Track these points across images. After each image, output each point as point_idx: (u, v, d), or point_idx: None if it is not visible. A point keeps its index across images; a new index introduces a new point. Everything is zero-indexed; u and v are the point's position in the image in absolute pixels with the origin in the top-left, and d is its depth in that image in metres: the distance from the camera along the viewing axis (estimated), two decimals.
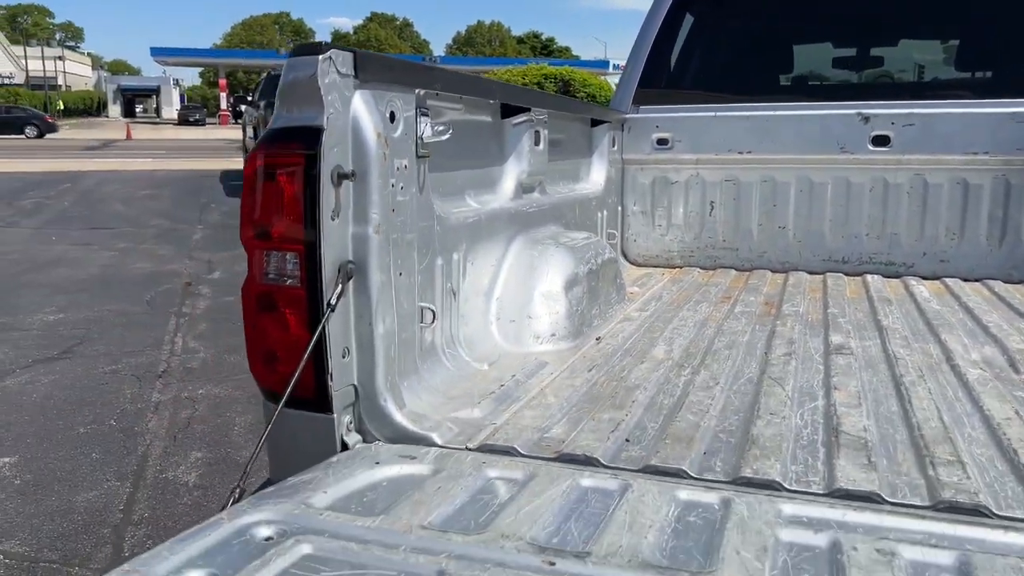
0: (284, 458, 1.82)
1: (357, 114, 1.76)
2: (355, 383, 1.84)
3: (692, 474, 1.64)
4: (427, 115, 2.02)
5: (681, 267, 4.31)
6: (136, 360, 6.34)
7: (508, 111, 2.74)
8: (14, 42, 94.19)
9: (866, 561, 1.23)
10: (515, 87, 2.98)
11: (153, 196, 17.85)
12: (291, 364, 1.73)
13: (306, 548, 1.25)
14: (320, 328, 1.71)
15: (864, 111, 3.94)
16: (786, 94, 4.45)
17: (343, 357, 1.81)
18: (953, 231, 3.94)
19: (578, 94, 19.93)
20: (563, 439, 1.83)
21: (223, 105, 63.52)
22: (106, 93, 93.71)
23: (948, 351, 2.60)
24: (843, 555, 1.25)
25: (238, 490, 1.43)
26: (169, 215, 15.00)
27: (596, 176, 4.01)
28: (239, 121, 27.20)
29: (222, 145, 36.22)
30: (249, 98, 22.17)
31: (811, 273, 4.06)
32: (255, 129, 17.92)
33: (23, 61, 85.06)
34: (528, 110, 2.77)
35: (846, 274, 4.02)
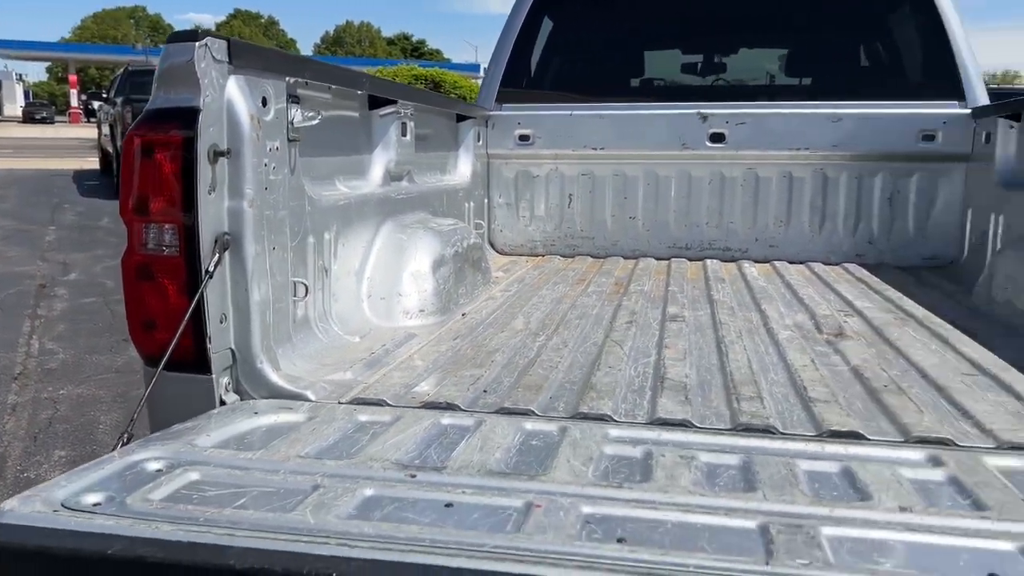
0: (165, 418, 1.94)
1: (231, 97, 1.91)
2: (232, 347, 1.99)
3: (538, 412, 1.89)
4: (297, 102, 2.19)
5: (544, 255, 4.61)
6: None
7: (376, 103, 2.93)
8: None
9: (670, 464, 1.51)
10: (383, 80, 3.17)
11: None
12: (170, 331, 1.87)
13: (194, 475, 1.41)
14: (199, 293, 1.85)
15: (703, 111, 4.35)
16: (636, 95, 4.84)
17: (220, 322, 1.95)
18: (781, 219, 4.42)
19: (449, 96, 20.19)
20: (428, 392, 2.05)
21: (74, 102, 59.92)
22: None
23: (766, 317, 2.98)
24: (653, 460, 1.52)
25: (126, 435, 1.56)
26: (18, 215, 14.16)
27: (463, 169, 4.24)
28: (92, 119, 25.81)
29: (75, 144, 34.25)
30: (104, 95, 21.12)
31: (658, 259, 4.44)
32: (112, 127, 17.14)
33: None
34: (395, 102, 2.97)
35: (689, 259, 4.42)
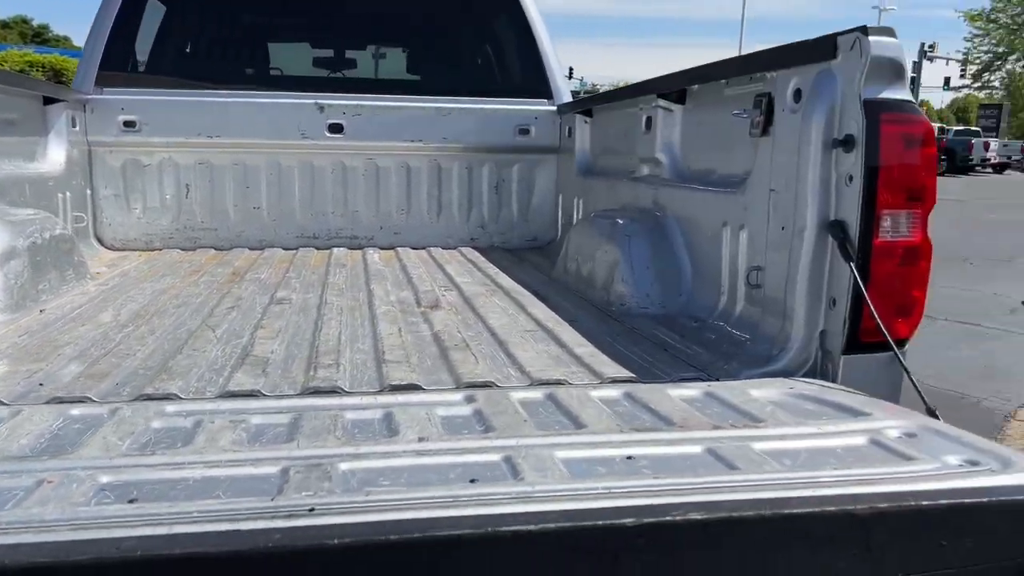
0: None
1: None
2: None
3: (96, 399, 1.80)
4: None
5: (161, 249, 4.36)
6: None
7: None
8: None
9: (217, 429, 1.52)
10: None
11: None
12: None
13: None
14: None
15: (320, 101, 4.41)
16: (253, 84, 4.75)
17: None
18: (403, 208, 4.63)
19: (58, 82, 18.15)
20: None
21: None
22: None
23: (372, 296, 3.12)
24: (200, 428, 1.53)
25: None
26: None
27: (54, 156, 3.86)
28: None
29: None
30: None
31: (285, 249, 4.43)
32: None
33: None
34: None
35: (317, 248, 4.47)
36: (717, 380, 2.00)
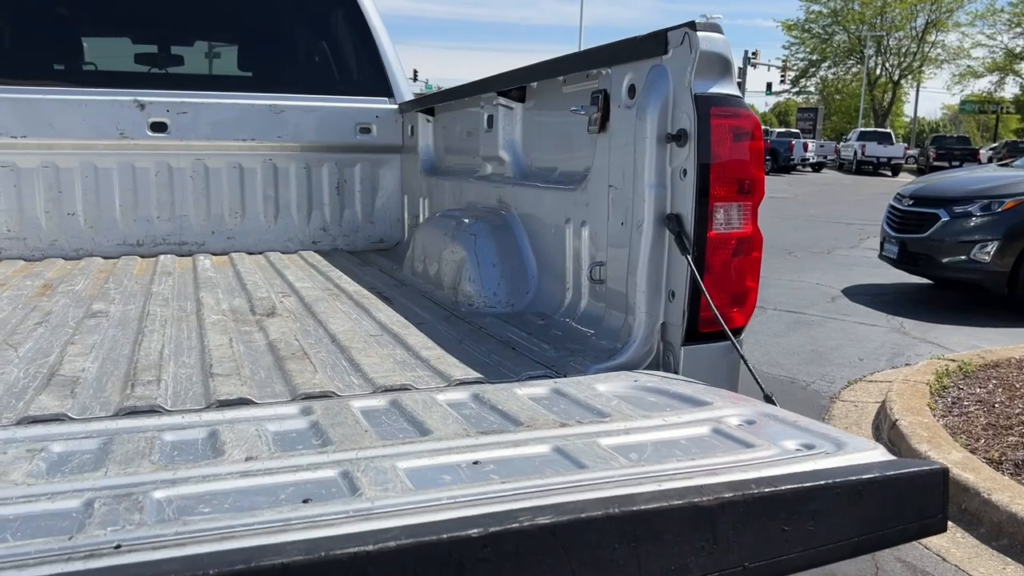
0: None
1: None
2: None
3: None
4: None
5: None
6: None
7: None
8: None
9: (11, 459, 1.33)
10: None
11: None
12: None
13: None
14: None
15: (140, 98, 4.10)
16: (63, 80, 4.35)
17: None
18: (236, 211, 4.38)
19: None
20: None
21: None
22: None
23: (201, 305, 2.90)
24: None
25: None
26: None
27: None
28: None
29: None
30: None
31: (106, 258, 4.08)
32: None
33: None
34: None
35: (141, 256, 4.14)
36: (564, 376, 1.98)
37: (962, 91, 59.49)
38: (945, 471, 1.32)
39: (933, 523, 1.31)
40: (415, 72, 53.48)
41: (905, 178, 29.97)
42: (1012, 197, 7.93)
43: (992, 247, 7.72)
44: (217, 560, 0.97)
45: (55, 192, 4.06)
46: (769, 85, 63.25)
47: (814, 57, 61.72)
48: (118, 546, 1.01)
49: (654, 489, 1.20)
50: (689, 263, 1.96)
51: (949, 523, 1.44)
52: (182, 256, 4.20)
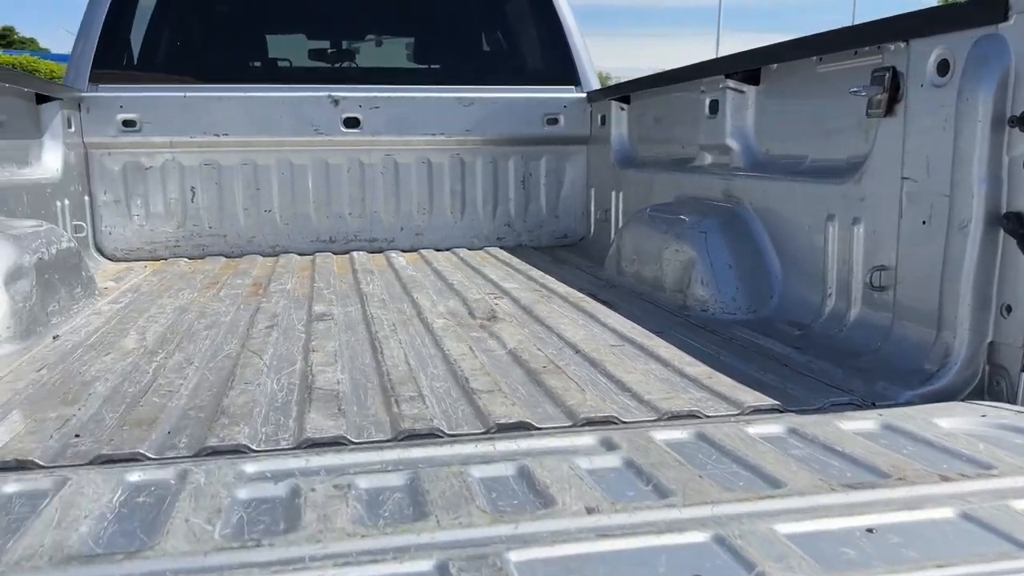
0: None
1: None
2: None
3: (150, 455, 1.48)
4: None
5: (167, 259, 4.00)
6: None
7: None
8: None
9: (323, 499, 1.21)
10: None
11: None
12: None
13: None
14: None
15: (334, 94, 4.07)
16: (259, 78, 4.39)
17: None
18: (424, 207, 4.30)
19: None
20: None
21: None
22: None
23: (418, 307, 2.80)
24: (301, 498, 1.21)
25: None
26: None
27: (50, 161, 3.50)
28: None
29: None
30: None
31: (301, 254, 4.09)
32: None
33: None
34: None
35: (334, 252, 4.13)
36: (874, 406, 1.71)
37: None
38: None
39: None
40: None
41: None
42: None
43: None
44: None
45: (253, 189, 4.10)
46: None
47: None
48: None
49: None
50: None
51: None
52: (373, 252, 4.16)
